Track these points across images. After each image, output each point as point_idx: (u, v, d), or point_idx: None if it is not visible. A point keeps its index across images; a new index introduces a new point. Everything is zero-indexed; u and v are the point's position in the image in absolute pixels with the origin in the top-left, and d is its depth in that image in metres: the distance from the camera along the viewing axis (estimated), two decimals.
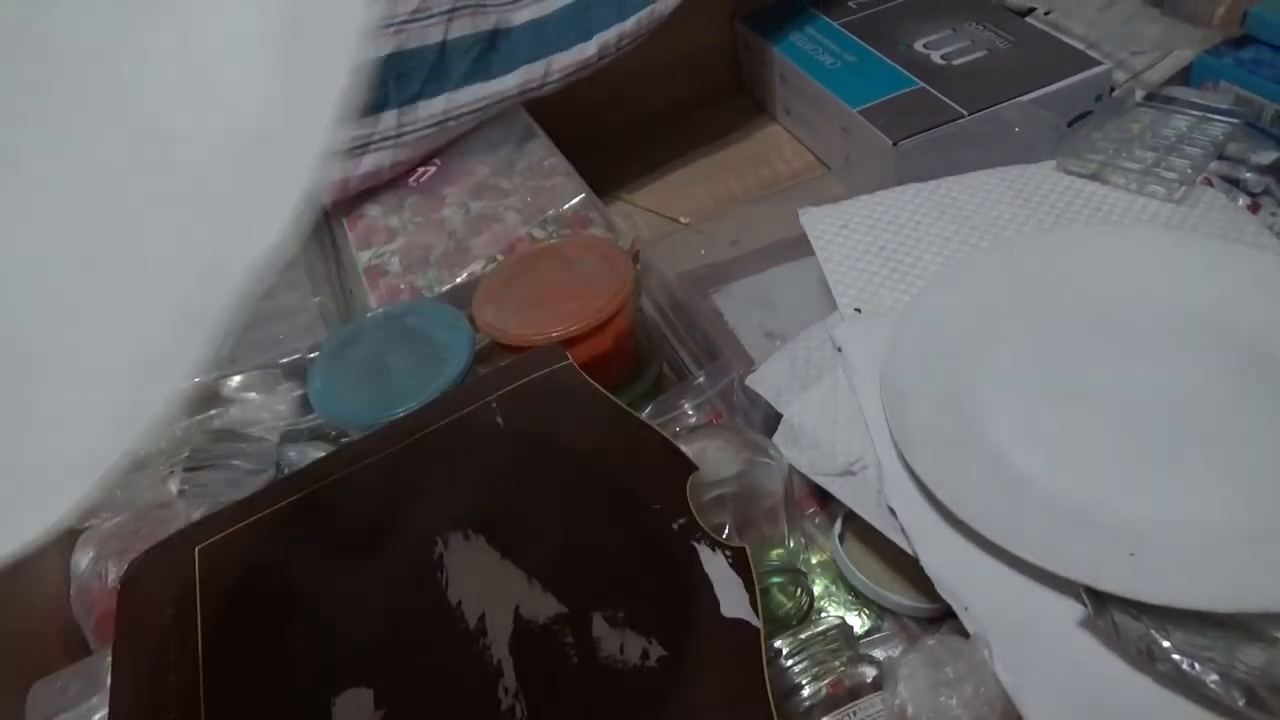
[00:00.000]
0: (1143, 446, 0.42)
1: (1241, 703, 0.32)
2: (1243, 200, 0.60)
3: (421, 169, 0.71)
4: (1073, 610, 0.36)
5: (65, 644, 0.47)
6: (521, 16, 0.72)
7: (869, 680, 0.37)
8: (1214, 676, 0.32)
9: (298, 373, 0.58)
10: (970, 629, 0.36)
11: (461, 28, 0.69)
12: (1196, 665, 0.33)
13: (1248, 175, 0.61)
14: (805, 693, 0.37)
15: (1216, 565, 0.36)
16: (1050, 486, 0.40)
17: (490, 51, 0.70)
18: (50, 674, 0.44)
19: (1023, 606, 0.36)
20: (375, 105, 0.67)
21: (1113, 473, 0.41)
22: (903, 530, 0.40)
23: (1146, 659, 0.33)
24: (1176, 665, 0.33)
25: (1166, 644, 0.33)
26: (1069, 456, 0.42)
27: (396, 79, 0.68)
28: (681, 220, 0.76)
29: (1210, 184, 0.60)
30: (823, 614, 0.43)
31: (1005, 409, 0.44)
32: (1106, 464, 0.41)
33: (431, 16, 0.69)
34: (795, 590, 0.42)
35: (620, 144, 0.86)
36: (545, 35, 0.71)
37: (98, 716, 0.41)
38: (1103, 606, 0.35)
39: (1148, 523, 0.38)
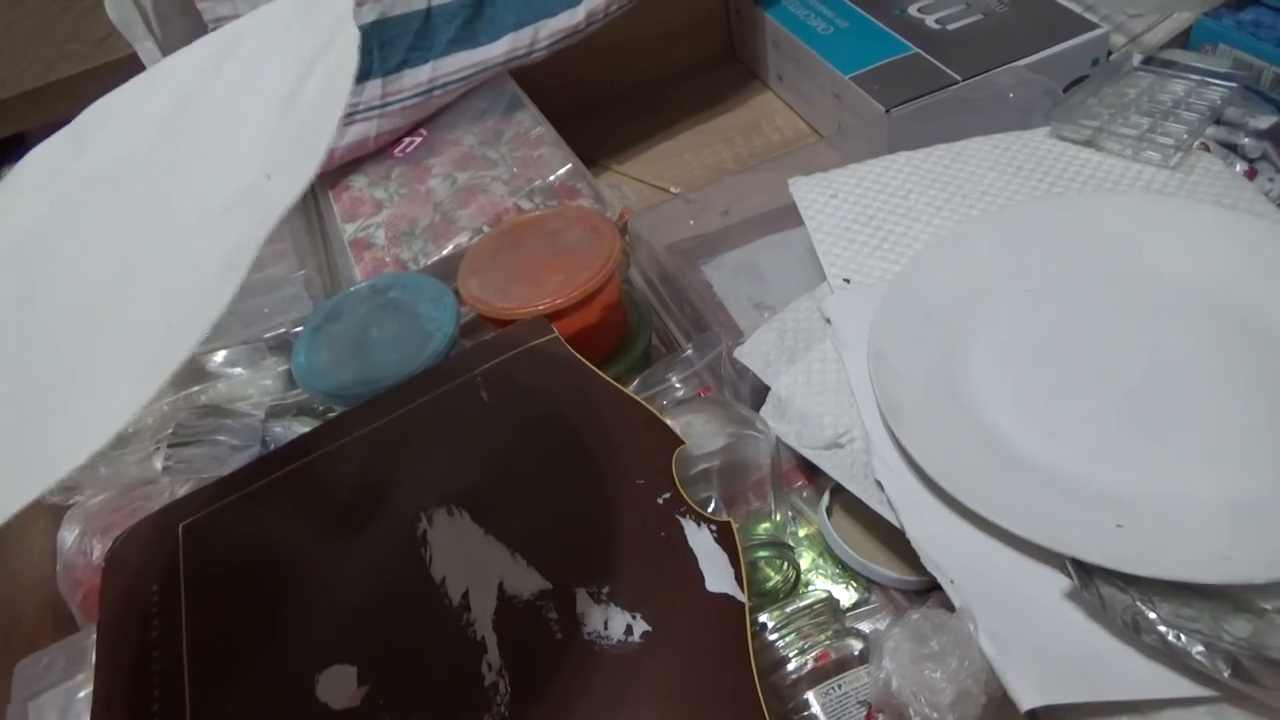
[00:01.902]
0: (1131, 417, 0.41)
1: (1226, 673, 0.32)
2: (1240, 166, 0.59)
3: (407, 139, 0.70)
4: (1058, 582, 0.35)
5: (52, 621, 0.47)
6: None
7: (856, 653, 0.37)
8: (1199, 648, 0.32)
9: (283, 347, 0.58)
10: (955, 602, 0.35)
11: None
12: (1182, 636, 0.33)
13: (1245, 140, 0.60)
14: (791, 666, 0.37)
15: (1203, 536, 0.36)
16: (1037, 458, 0.40)
17: (476, 18, 0.69)
18: (36, 651, 0.44)
19: (1008, 579, 0.36)
20: (359, 74, 0.66)
21: (1100, 444, 0.40)
22: (889, 503, 0.40)
23: (1132, 630, 0.33)
24: (1162, 637, 0.33)
25: (1152, 615, 0.33)
26: (1057, 428, 0.41)
27: (380, 47, 0.66)
28: (672, 190, 0.75)
29: (1207, 149, 0.59)
30: (810, 587, 0.43)
31: (993, 380, 0.44)
32: (1094, 435, 0.41)
33: None
34: (782, 564, 0.42)
35: (610, 113, 0.85)
36: (533, 1, 0.69)
37: (82, 694, 0.41)
38: (1089, 578, 0.34)
39: (1135, 494, 0.38)
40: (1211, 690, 0.32)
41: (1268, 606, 0.34)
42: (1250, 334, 0.44)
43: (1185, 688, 0.32)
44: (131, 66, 0.66)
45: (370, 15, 0.66)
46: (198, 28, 0.65)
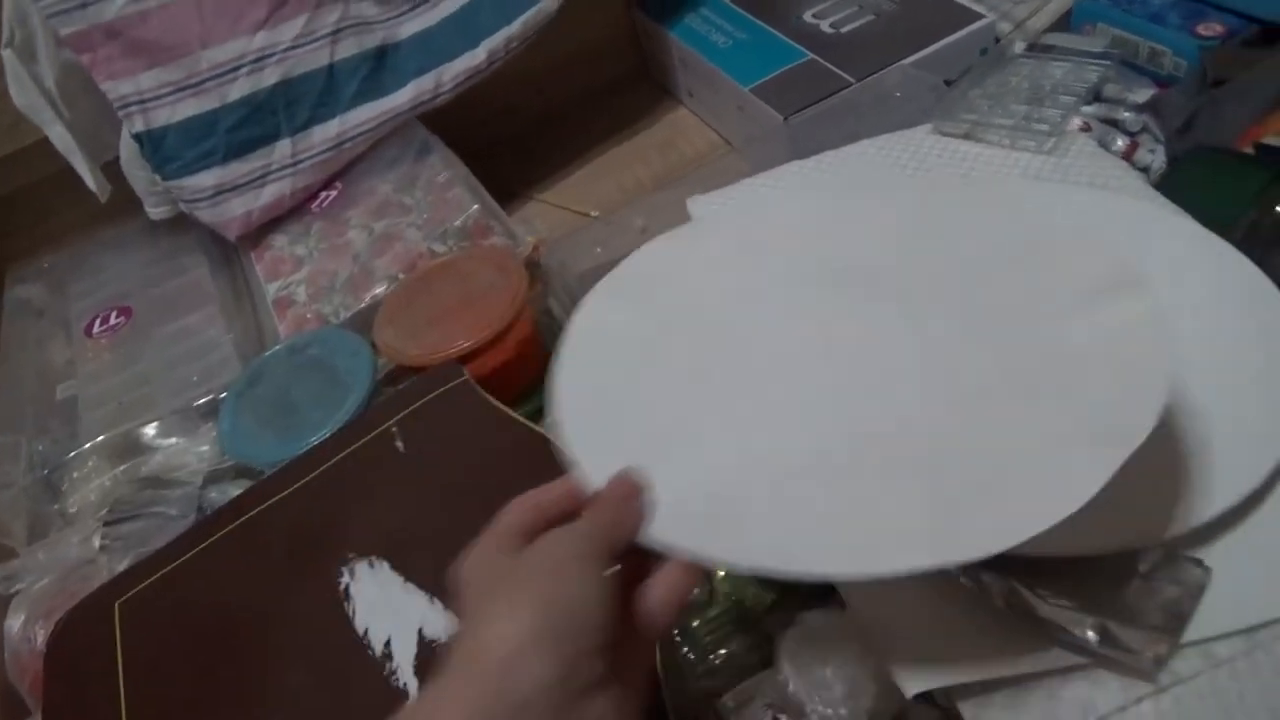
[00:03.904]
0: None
1: (1096, 641, 0.34)
2: (1122, 140, 0.61)
3: (324, 193, 0.71)
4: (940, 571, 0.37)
5: (6, 708, 0.48)
6: (408, 30, 0.72)
7: (759, 658, 0.39)
8: (1070, 618, 0.34)
9: (215, 412, 0.59)
10: (845, 597, 0.37)
11: (348, 48, 0.70)
12: (1055, 611, 0.34)
13: (1126, 115, 0.62)
14: (700, 671, 0.38)
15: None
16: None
17: (379, 69, 0.71)
18: None
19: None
20: (267, 136, 0.68)
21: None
22: None
23: (1008, 610, 0.35)
24: (1032, 610, 0.34)
25: (1026, 594, 0.35)
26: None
27: (286, 107, 0.68)
28: (592, 214, 0.77)
29: (1089, 128, 0.62)
30: (719, 593, 0.44)
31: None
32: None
33: (316, 40, 0.69)
34: None
35: (531, 142, 0.86)
36: (433, 47, 0.71)
37: None
38: (970, 567, 0.36)
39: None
40: (1086, 659, 0.34)
41: (1142, 568, 0.36)
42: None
43: (1061, 659, 0.34)
44: (45, 151, 0.68)
45: (273, 78, 0.67)
46: (103, 107, 0.66)
